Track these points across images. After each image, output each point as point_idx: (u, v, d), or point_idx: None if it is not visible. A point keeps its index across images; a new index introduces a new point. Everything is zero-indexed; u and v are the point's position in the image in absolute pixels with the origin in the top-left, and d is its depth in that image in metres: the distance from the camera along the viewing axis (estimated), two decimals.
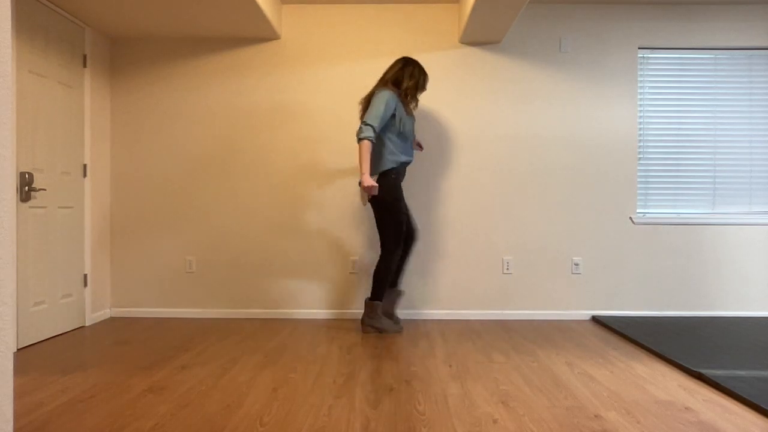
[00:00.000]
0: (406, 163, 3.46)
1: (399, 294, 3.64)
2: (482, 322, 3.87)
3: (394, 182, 3.37)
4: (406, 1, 3.98)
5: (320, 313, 4.02)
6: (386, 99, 3.27)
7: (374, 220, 3.60)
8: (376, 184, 3.22)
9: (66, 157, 3.51)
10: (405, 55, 4.02)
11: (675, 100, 4.09)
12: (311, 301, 4.03)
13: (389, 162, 3.36)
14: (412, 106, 3.53)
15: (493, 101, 4.03)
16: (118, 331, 3.56)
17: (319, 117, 4.02)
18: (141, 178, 4.05)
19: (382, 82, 3.43)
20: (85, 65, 3.71)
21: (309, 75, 4.03)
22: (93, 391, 2.34)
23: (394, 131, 3.36)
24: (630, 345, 3.24)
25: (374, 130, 3.22)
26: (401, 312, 4.01)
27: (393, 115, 3.34)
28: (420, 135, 4.01)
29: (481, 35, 3.86)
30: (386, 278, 3.39)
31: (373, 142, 3.24)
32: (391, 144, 3.37)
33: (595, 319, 3.93)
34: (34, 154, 3.19)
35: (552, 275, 4.03)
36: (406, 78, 3.40)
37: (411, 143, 3.48)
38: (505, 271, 4.03)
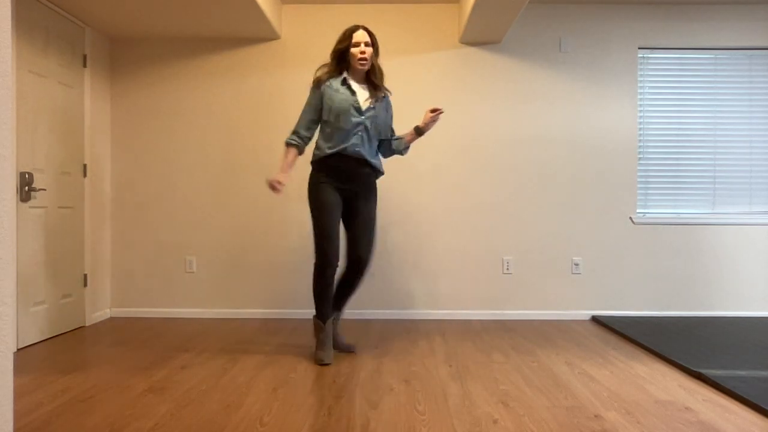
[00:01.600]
0: (337, 156, 2.77)
1: (335, 319, 2.98)
2: (482, 322, 3.87)
3: (314, 179, 2.83)
4: (406, 1, 3.98)
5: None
6: (309, 93, 2.89)
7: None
8: (279, 180, 2.76)
9: (66, 157, 3.51)
10: (405, 55, 4.02)
11: (675, 100, 4.09)
12: (311, 301, 4.02)
13: (313, 156, 2.86)
14: (357, 79, 2.85)
15: (493, 101, 4.02)
16: (118, 331, 3.56)
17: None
18: (141, 178, 4.05)
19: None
20: (85, 65, 3.71)
21: (309, 75, 4.02)
22: (93, 391, 2.34)
23: (324, 120, 2.83)
24: (630, 345, 3.24)
25: (297, 134, 2.85)
26: (402, 312, 4.00)
27: (322, 103, 2.82)
28: None
29: (481, 35, 3.86)
30: (317, 293, 2.83)
31: (295, 144, 2.84)
32: (320, 135, 2.86)
33: (595, 319, 3.93)
34: (34, 154, 3.19)
35: (552, 275, 4.03)
36: (335, 46, 2.85)
37: (354, 129, 2.77)
38: (505, 271, 4.03)
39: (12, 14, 3.00)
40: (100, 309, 3.93)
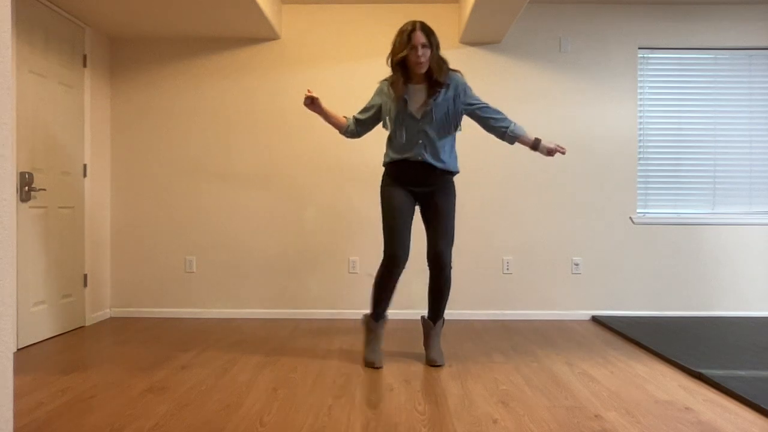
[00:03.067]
0: (402, 162, 2.76)
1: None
2: (482, 322, 3.87)
3: (384, 182, 2.85)
4: (406, 1, 3.98)
5: (320, 313, 4.02)
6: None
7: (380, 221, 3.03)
8: (315, 96, 2.78)
9: (66, 157, 3.51)
10: None
11: (675, 100, 4.09)
12: (311, 301, 4.02)
13: (383, 159, 2.89)
14: (416, 81, 2.73)
15: (493, 101, 3.99)
16: (118, 331, 3.56)
17: (318, 116, 4.01)
18: (141, 178, 4.05)
19: None
20: (85, 65, 3.71)
21: (309, 75, 4.03)
22: (93, 391, 2.34)
23: (385, 126, 2.85)
24: (630, 345, 3.24)
25: (355, 120, 2.90)
26: (401, 312, 4.00)
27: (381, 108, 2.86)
28: None
29: (481, 35, 3.86)
30: (374, 288, 2.82)
31: (346, 120, 2.90)
32: (387, 140, 2.86)
33: (595, 319, 3.93)
34: (34, 154, 3.19)
35: (552, 275, 4.03)
36: (393, 55, 2.72)
37: (414, 137, 2.72)
38: (505, 271, 4.03)
39: (12, 14, 3.00)
40: (100, 309, 3.93)
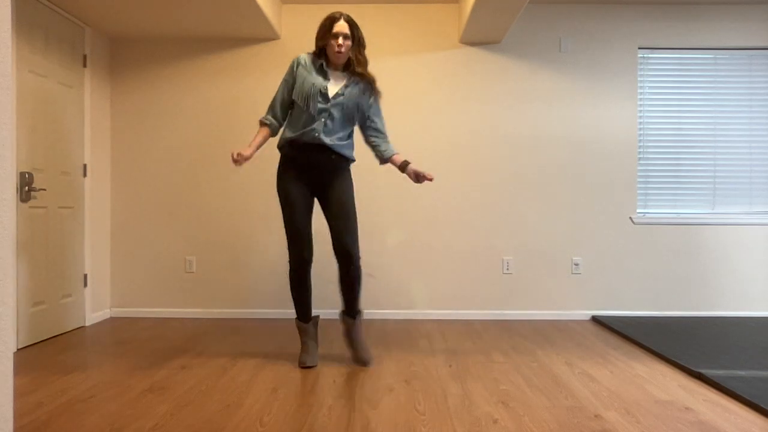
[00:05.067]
0: (297, 142, 2.70)
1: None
2: (482, 322, 3.87)
3: (279, 170, 2.79)
4: (406, 1, 3.98)
5: (320, 312, 4.00)
6: (287, 70, 2.81)
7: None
8: (241, 152, 2.62)
9: (66, 157, 3.51)
10: (406, 55, 4.02)
11: (675, 100, 4.09)
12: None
13: (278, 143, 2.79)
14: (334, 68, 2.76)
15: (493, 101, 4.02)
16: (118, 331, 3.56)
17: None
18: (141, 177, 4.05)
19: None
20: (85, 65, 3.71)
21: None
22: (93, 391, 2.34)
23: (294, 101, 2.75)
24: (630, 345, 3.24)
25: (269, 111, 2.79)
26: (402, 312, 4.00)
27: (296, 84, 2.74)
28: (420, 135, 4.00)
29: (481, 35, 3.86)
30: (292, 294, 2.83)
31: (267, 124, 2.77)
32: (288, 119, 2.80)
33: (595, 319, 3.93)
34: (34, 154, 3.19)
35: (552, 275, 4.03)
36: (316, 40, 2.76)
37: (318, 114, 2.67)
38: (505, 271, 4.03)
39: (12, 14, 3.00)
40: (100, 309, 3.93)
